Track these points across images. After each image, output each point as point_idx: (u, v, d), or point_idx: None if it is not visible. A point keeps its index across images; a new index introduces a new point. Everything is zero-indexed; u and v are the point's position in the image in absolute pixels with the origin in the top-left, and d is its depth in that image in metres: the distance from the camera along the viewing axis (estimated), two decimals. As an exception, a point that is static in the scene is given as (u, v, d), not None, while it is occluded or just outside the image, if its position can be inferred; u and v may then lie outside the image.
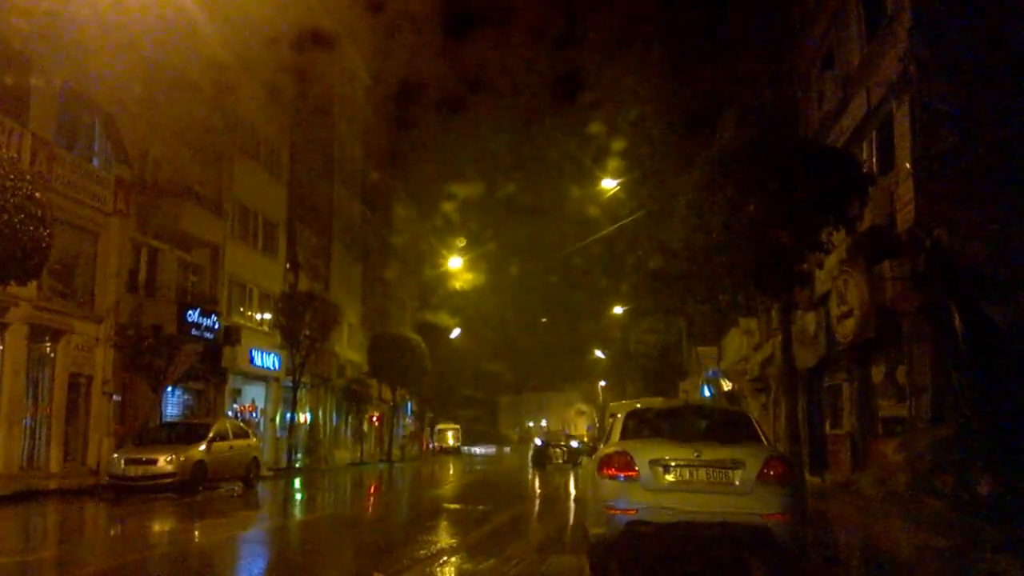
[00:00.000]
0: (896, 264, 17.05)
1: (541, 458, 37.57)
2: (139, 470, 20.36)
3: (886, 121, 18.40)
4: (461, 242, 18.76)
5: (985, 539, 11.08)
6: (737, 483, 8.95)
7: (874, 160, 19.00)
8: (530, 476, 32.57)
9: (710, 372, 31.33)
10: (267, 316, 34.40)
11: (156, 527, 15.24)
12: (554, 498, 22.91)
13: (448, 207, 17.85)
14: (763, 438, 10.08)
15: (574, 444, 41.21)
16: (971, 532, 11.92)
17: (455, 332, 47.90)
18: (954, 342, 15.16)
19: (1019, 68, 15.72)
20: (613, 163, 15.86)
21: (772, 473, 9.02)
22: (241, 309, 33.02)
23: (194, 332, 27.10)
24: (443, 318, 39.15)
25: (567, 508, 18.87)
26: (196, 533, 14.43)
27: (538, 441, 40.10)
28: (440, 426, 64.51)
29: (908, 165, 16.98)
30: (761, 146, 16.51)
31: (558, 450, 38.97)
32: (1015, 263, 15.10)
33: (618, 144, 15.63)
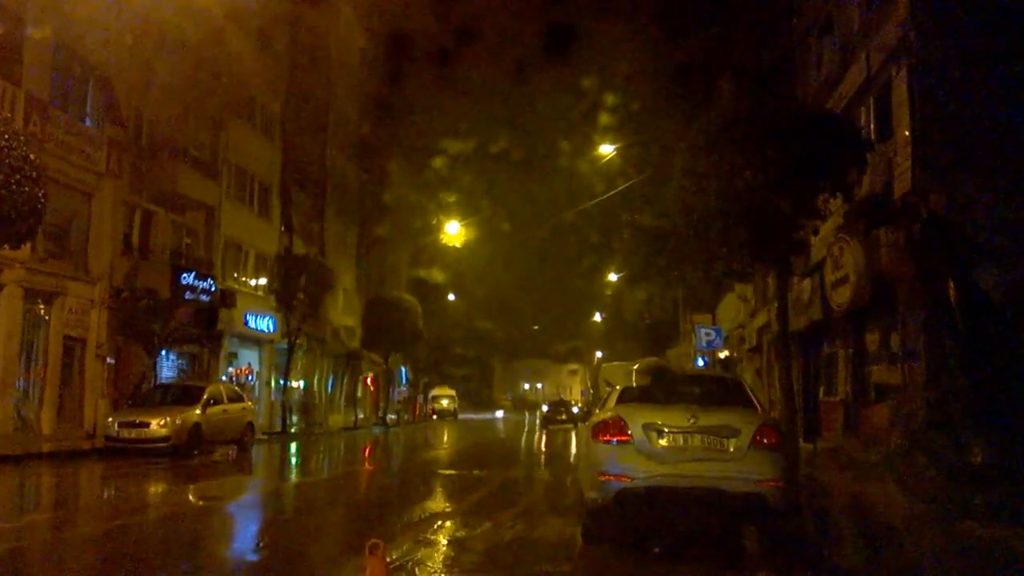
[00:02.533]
0: (892, 231, 16.99)
1: (548, 420, 46.64)
2: (133, 433, 20.35)
3: (885, 88, 18.23)
4: (451, 197, 18.71)
5: (977, 507, 10.99)
6: (731, 449, 8.98)
7: (872, 127, 18.85)
8: (538, 435, 35.31)
9: (704, 340, 31.36)
10: (262, 279, 34.27)
11: (149, 490, 15.20)
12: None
13: (441, 163, 17.79)
14: (757, 405, 10.08)
15: (574, 410, 50.05)
16: (963, 499, 11.92)
17: (451, 296, 47.80)
18: (948, 310, 15.14)
19: (1020, 35, 15.57)
20: (605, 119, 15.71)
21: (765, 440, 9.06)
22: (236, 272, 32.89)
23: (189, 295, 27.00)
24: (435, 275, 38.99)
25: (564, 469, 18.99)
26: (190, 497, 14.39)
27: (545, 407, 50.37)
28: (435, 392, 64.62)
29: (906, 132, 16.85)
30: (759, 112, 16.34)
31: (562, 415, 47.21)
32: (1012, 231, 15.06)
33: (611, 99, 15.50)
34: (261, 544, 9.81)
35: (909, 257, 16.31)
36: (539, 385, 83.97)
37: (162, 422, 20.42)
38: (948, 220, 15.35)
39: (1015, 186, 15.17)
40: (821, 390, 23.19)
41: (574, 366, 70.38)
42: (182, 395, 22.36)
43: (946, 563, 8.50)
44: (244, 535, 10.86)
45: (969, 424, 13.95)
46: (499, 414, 70.80)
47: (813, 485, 14.91)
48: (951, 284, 14.95)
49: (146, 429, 20.34)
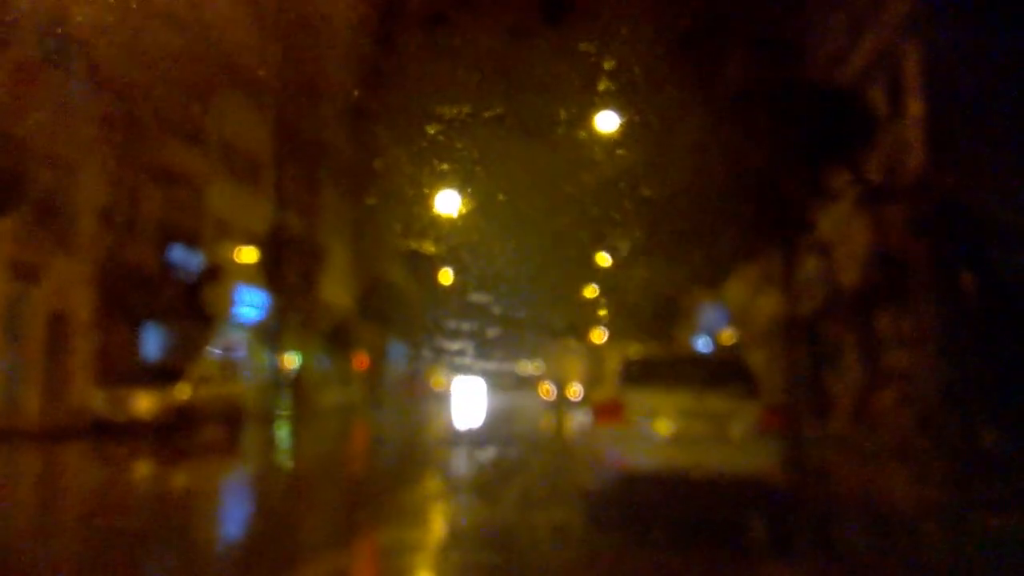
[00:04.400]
0: (903, 211, 16.60)
1: (561, 401, 46.43)
2: (120, 412, 20.00)
3: (896, 63, 17.82)
4: (444, 166, 18.34)
5: (988, 496, 10.79)
6: (734, 434, 8.89)
7: (883, 103, 18.37)
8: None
9: (709, 321, 31.02)
10: (252, 255, 33.63)
11: (135, 471, 14.98)
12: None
13: (435, 131, 17.44)
14: (761, 388, 9.91)
15: (582, 394, 49.83)
16: (973, 487, 11.62)
17: (448, 271, 47.04)
18: (960, 291, 14.85)
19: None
20: (604, 85, 15.24)
21: (770, 424, 9.03)
22: (225, 248, 32.27)
23: (176, 271, 26.54)
24: (427, 246, 38.56)
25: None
26: (176, 478, 14.23)
27: (555, 390, 49.96)
28: (432, 371, 64.64)
29: (918, 109, 16.50)
30: (767, 88, 15.91)
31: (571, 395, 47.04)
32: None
33: (610, 65, 15.01)
34: (250, 528, 9.68)
35: (920, 237, 15.96)
36: (539, 362, 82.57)
37: (150, 401, 20.09)
38: (960, 199, 14.98)
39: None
40: (829, 374, 22.78)
41: (573, 343, 69.73)
42: (170, 374, 21.86)
43: (959, 555, 8.26)
44: (235, 519, 10.65)
45: (982, 410, 13.66)
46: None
47: (820, 471, 14.57)
48: (965, 266, 14.64)
49: (134, 408, 19.99)
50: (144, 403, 20.03)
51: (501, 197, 19.01)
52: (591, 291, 38.67)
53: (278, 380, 33.60)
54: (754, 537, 8.78)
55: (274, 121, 34.96)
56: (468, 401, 52.77)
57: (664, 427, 8.99)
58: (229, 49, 30.78)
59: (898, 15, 17.50)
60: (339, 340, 41.24)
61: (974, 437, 13.88)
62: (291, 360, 36.12)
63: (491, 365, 74.15)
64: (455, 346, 68.85)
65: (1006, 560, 7.93)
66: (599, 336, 50.81)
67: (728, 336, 31.61)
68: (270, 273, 31.60)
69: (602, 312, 39.41)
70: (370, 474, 15.59)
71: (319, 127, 37.77)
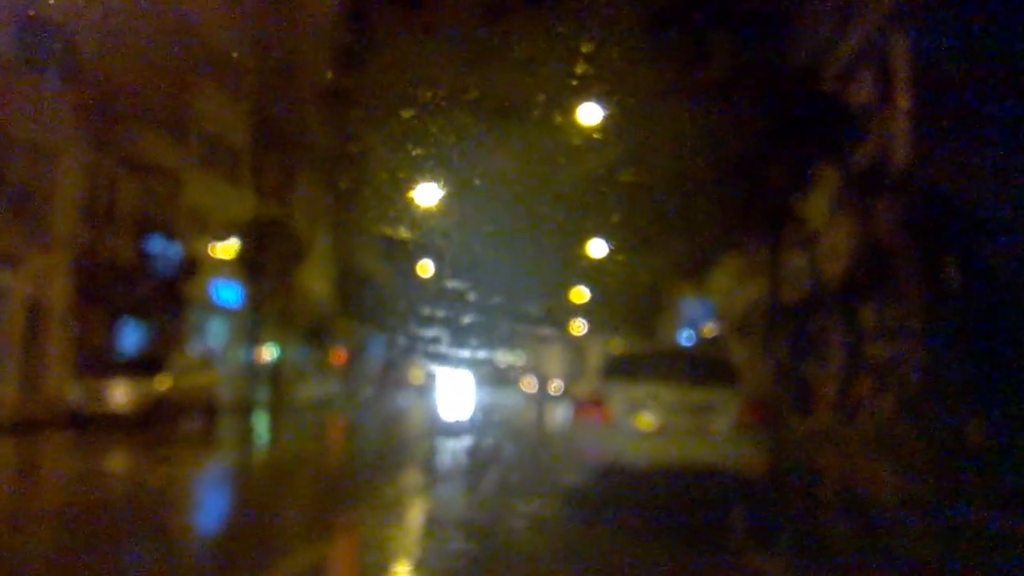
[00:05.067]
0: (889, 203, 16.48)
1: (541, 394, 47.92)
2: (97, 404, 19.71)
3: (884, 53, 17.72)
4: (419, 151, 18.12)
5: (972, 490, 10.79)
6: (716, 428, 8.79)
7: (870, 94, 18.26)
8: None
9: (692, 313, 30.90)
10: (230, 247, 33.27)
11: (112, 463, 14.76)
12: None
13: (409, 115, 17.20)
14: (743, 382, 9.84)
15: (562, 387, 51.26)
16: (958, 482, 11.57)
17: (429, 268, 46.88)
18: (947, 284, 14.76)
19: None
20: (582, 68, 15.03)
21: (752, 417, 8.93)
22: (203, 239, 31.92)
23: (154, 262, 26.28)
24: (401, 233, 38.31)
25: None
26: (153, 470, 13.90)
27: (535, 383, 52.22)
28: (411, 364, 64.47)
29: (905, 99, 16.40)
30: (753, 78, 15.76)
31: (552, 389, 49.10)
32: (1013, 203, 14.54)
33: (588, 47, 14.80)
34: (228, 520, 9.54)
35: (906, 229, 15.87)
36: (520, 354, 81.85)
37: (127, 392, 19.81)
38: (949, 192, 14.88)
39: (1017, 156, 14.58)
40: (812, 366, 22.71)
41: (549, 331, 69.09)
42: (147, 365, 21.59)
43: (940, 549, 8.19)
44: (213, 511, 10.47)
45: (966, 401, 13.59)
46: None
47: (802, 463, 14.51)
48: (949, 257, 14.54)
49: (111, 400, 19.71)
50: (121, 395, 19.77)
51: (477, 182, 18.75)
52: (573, 285, 38.40)
53: (256, 372, 33.36)
54: (735, 530, 8.69)
55: (251, 111, 34.58)
56: (452, 393, 52.64)
57: (645, 421, 8.90)
58: (204, 37, 30.46)
59: (887, 5, 17.43)
60: (317, 332, 41.02)
61: (958, 429, 13.81)
62: (269, 352, 35.84)
63: (466, 353, 73.39)
64: (430, 333, 68.49)
65: (987, 554, 7.87)
66: (578, 328, 50.64)
67: (711, 329, 31.51)
68: (248, 264, 31.32)
69: (580, 299, 39.01)
70: (349, 466, 15.41)
71: (296, 116, 37.31)
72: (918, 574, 7.25)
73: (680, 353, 13.73)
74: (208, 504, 11.00)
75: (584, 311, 47.05)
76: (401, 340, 59.27)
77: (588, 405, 9.37)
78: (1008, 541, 8.32)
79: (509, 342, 76.54)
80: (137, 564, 7.16)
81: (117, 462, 14.94)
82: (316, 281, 41.15)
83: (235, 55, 32.59)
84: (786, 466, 12.75)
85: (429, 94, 15.91)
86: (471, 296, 66.24)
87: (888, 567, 7.37)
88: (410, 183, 19.58)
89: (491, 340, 75.51)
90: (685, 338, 32.38)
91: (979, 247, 14.58)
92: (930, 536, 8.93)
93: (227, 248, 31.91)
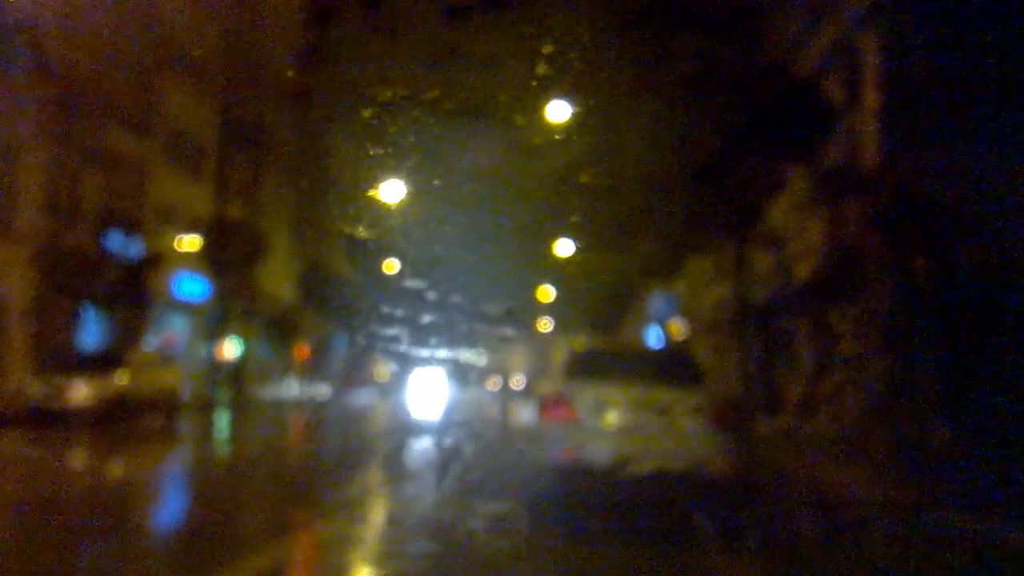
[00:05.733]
0: (859, 203, 16.50)
1: (504, 392, 51.96)
2: (57, 400, 19.52)
3: (854, 52, 17.74)
4: (380, 150, 18.01)
5: (941, 492, 10.76)
6: (682, 427, 8.82)
7: (840, 94, 18.26)
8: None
9: (659, 313, 30.90)
10: (194, 242, 32.87)
11: (70, 460, 14.60)
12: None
13: (370, 114, 17.04)
14: (709, 381, 10.17)
15: (524, 385, 54.64)
16: (923, 482, 11.57)
17: (395, 266, 46.52)
18: (916, 285, 14.78)
19: (993, 4, 15.03)
20: (543, 69, 14.95)
21: (719, 417, 9.14)
22: (167, 234, 31.51)
23: (117, 256, 25.99)
24: (361, 231, 38.08)
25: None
26: (111, 468, 13.86)
27: (500, 381, 57.69)
28: (375, 362, 64.37)
29: (875, 99, 16.42)
30: (720, 75, 15.68)
31: (512, 389, 52.83)
32: (983, 205, 14.58)
33: (549, 48, 14.71)
34: (187, 520, 9.38)
35: (876, 230, 15.87)
36: (481, 354, 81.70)
37: (87, 389, 19.66)
38: (917, 192, 14.89)
39: (988, 157, 14.63)
40: (780, 366, 22.75)
41: (510, 331, 68.86)
42: (108, 360, 21.42)
43: (906, 551, 8.15)
44: (169, 510, 10.33)
45: (933, 400, 13.63)
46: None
47: (770, 465, 14.58)
48: (919, 258, 14.56)
49: (71, 396, 19.55)
50: (82, 391, 19.63)
51: (438, 182, 18.60)
52: (538, 284, 38.33)
53: (218, 369, 33.05)
54: (700, 531, 8.59)
55: (216, 107, 34.28)
56: (417, 391, 52.51)
57: (610, 420, 8.91)
58: (169, 32, 30.09)
59: (858, 5, 17.39)
60: (281, 329, 40.71)
61: (924, 429, 13.84)
62: (232, 349, 35.48)
63: (425, 352, 73.19)
64: (390, 331, 68.22)
65: (952, 557, 7.85)
66: (545, 326, 50.59)
67: (678, 328, 31.51)
68: (211, 260, 31.02)
69: (546, 298, 38.85)
70: (309, 465, 15.28)
71: (260, 113, 37.04)
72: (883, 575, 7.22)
73: (646, 352, 13.76)
74: (166, 503, 10.87)
75: (550, 309, 46.95)
76: (360, 339, 58.92)
77: (553, 404, 9.35)
78: (973, 543, 8.30)
79: (469, 342, 76.47)
80: (91, 563, 7.05)
81: (75, 459, 14.78)
82: (280, 277, 40.85)
83: (199, 51, 32.26)
84: (752, 466, 12.76)
85: (389, 93, 15.77)
86: (431, 295, 66.05)
87: (853, 568, 7.33)
88: (371, 182, 19.41)
89: (451, 340, 75.34)
90: (653, 337, 32.38)
91: (948, 248, 14.61)
92: (895, 537, 8.91)
93: (191, 243, 31.53)
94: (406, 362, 70.29)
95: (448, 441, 19.18)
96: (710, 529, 8.59)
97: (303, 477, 13.15)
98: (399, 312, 65.82)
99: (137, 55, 27.69)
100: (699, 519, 8.89)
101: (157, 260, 28.53)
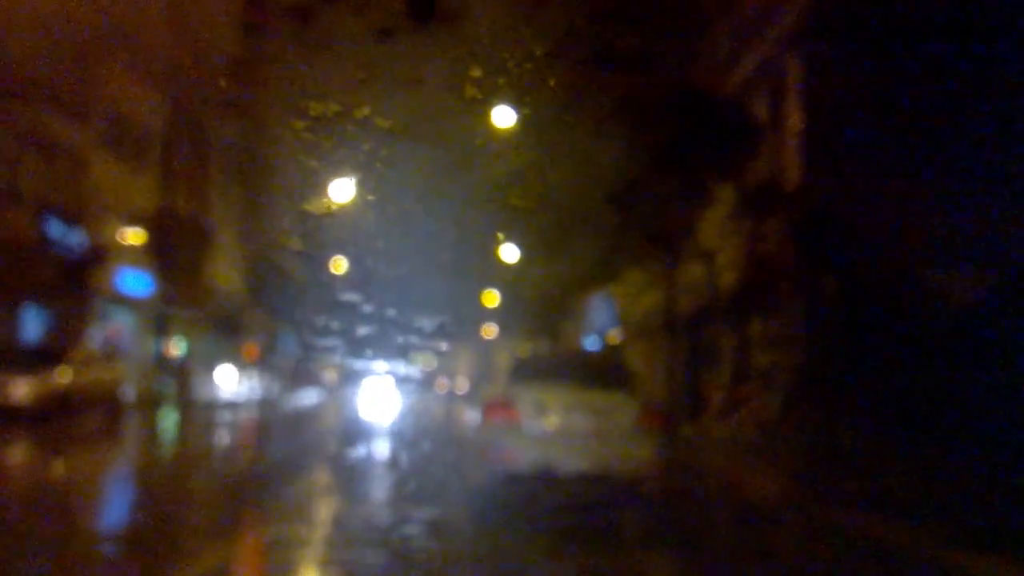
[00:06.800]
0: (779, 220, 17.23)
1: (451, 395, 50.39)
2: (-8, 398, 19.02)
3: (779, 75, 18.32)
4: (312, 163, 18.21)
5: (845, 492, 11.31)
6: (613, 430, 9.19)
7: (764, 114, 19.01)
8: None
9: (595, 320, 31.37)
10: (138, 235, 32.26)
11: (6, 459, 14.31)
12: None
13: (301, 126, 17.23)
14: (639, 387, 10.29)
15: (467, 386, 52.07)
16: (830, 483, 12.27)
17: (343, 265, 46.32)
18: (829, 298, 15.51)
19: (916, 29, 15.69)
20: (471, 91, 15.36)
21: (648, 421, 9.38)
22: (109, 227, 30.89)
23: (56, 248, 25.24)
24: (295, 242, 37.85)
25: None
26: (49, 468, 13.61)
27: (447, 384, 55.56)
28: (323, 364, 63.69)
29: (797, 121, 17.05)
30: (652, 96, 16.29)
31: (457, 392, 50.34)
32: (886, 221, 15.35)
33: (477, 71, 15.12)
34: (129, 522, 9.29)
35: (792, 246, 16.61)
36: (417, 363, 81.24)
37: (26, 386, 19.28)
38: (832, 212, 15.62)
39: (903, 180, 15.40)
40: (705, 373, 23.49)
41: (444, 344, 68.64)
42: (48, 357, 20.96)
43: (813, 549, 8.57)
44: (110, 512, 10.19)
45: (839, 405, 14.31)
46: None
47: (692, 467, 15.05)
48: (830, 274, 15.30)
49: (8, 393, 19.14)
50: (20, 388, 19.20)
51: (371, 197, 18.86)
52: (475, 294, 38.58)
53: (163, 366, 32.53)
54: (629, 532, 8.91)
55: (160, 100, 33.50)
56: (364, 394, 52.04)
57: (548, 423, 9.22)
58: (111, 18, 29.21)
59: (782, 29, 17.92)
60: (228, 328, 40.26)
61: (831, 433, 14.53)
62: (176, 346, 35.11)
63: (361, 364, 72.69)
64: (327, 343, 67.68)
65: (853, 554, 8.28)
66: (490, 331, 50.75)
67: (615, 336, 32.19)
68: (156, 254, 30.46)
69: (491, 303, 39.18)
70: (254, 467, 15.18)
71: (204, 108, 36.29)
72: (790, 570, 7.65)
73: (581, 357, 14.17)
74: (107, 504, 10.71)
75: (495, 316, 47.35)
76: (299, 346, 58.17)
77: (496, 407, 9.62)
78: (873, 542, 8.69)
79: (404, 354, 76.16)
80: (25, 568, 6.74)
81: (10, 458, 14.44)
82: (227, 274, 40.29)
83: (142, 40, 31.42)
84: (678, 469, 13.21)
85: (321, 108, 15.99)
86: (366, 308, 65.70)
87: (764, 564, 7.75)
88: (304, 194, 19.59)
89: (385, 352, 74.94)
90: (590, 343, 32.93)
91: (860, 262, 15.31)
92: (804, 536, 9.32)
93: (135, 236, 30.94)
94: (347, 371, 69.63)
95: (393, 442, 19.31)
96: (636, 528, 8.93)
97: (247, 479, 12.94)
98: (334, 324, 65.24)
99: (79, 38, 26.92)
100: (627, 518, 9.19)
101: (100, 253, 27.72)
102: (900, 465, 12.44)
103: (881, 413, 14.12)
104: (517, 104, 15.99)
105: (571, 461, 9.09)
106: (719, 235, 19.54)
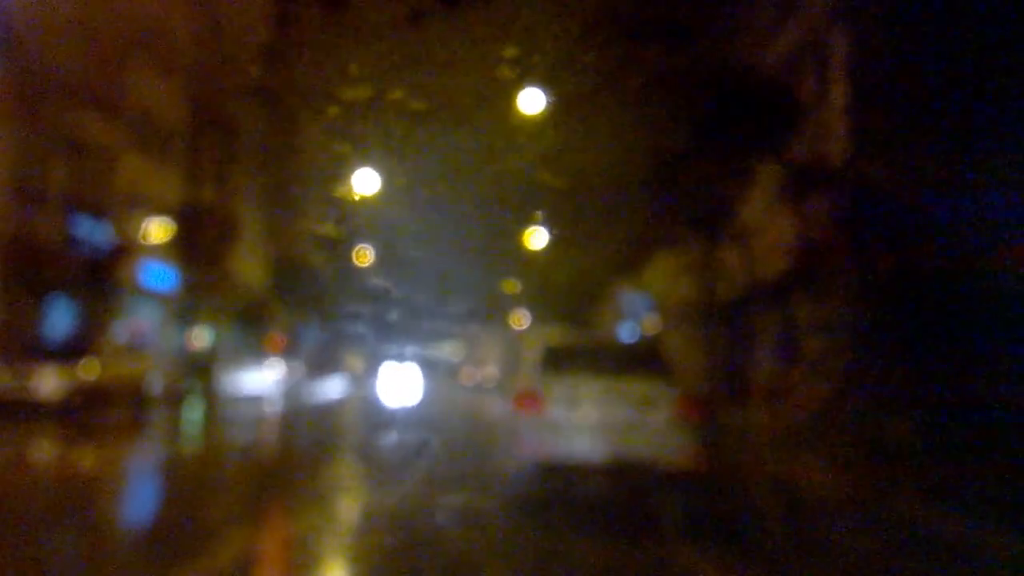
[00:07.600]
0: (825, 200, 16.62)
1: (477, 387, 51.76)
2: (22, 391, 19.25)
3: (823, 49, 17.80)
4: (345, 149, 18.08)
5: (900, 485, 10.90)
6: (651, 421, 8.88)
7: (808, 91, 18.38)
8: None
9: (630, 307, 30.99)
10: (163, 229, 32.39)
11: (35, 453, 14.42)
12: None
13: (336, 112, 17.08)
14: (679, 376, 9.91)
15: (495, 377, 54.58)
16: (882, 475, 11.78)
17: (368, 256, 46.39)
18: (879, 282, 14.94)
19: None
20: (505, 72, 15.07)
21: (687, 411, 9.04)
22: (135, 221, 31.05)
23: (84, 244, 25.62)
24: (329, 229, 37.94)
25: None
26: (77, 460, 13.72)
27: (474, 375, 56.67)
28: (349, 354, 64.11)
29: (843, 96, 16.53)
30: (692, 72, 15.77)
31: (485, 382, 52.03)
32: (945, 202, 14.72)
33: (512, 51, 14.81)
34: (156, 513, 9.38)
35: (841, 227, 16.03)
36: (446, 350, 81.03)
37: (53, 380, 19.42)
38: (884, 191, 15.02)
39: (954, 156, 14.74)
40: (747, 361, 22.91)
41: (476, 328, 68.66)
42: (75, 352, 21.23)
43: (869, 544, 8.21)
44: (136, 503, 10.25)
45: (893, 394, 13.80)
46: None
47: (736, 457, 14.63)
48: (882, 256, 14.71)
49: (36, 388, 19.30)
50: (48, 382, 19.37)
51: (403, 181, 18.64)
52: (507, 279, 38.31)
53: (189, 359, 32.67)
54: (669, 525, 8.67)
55: (186, 96, 33.77)
56: (390, 384, 52.23)
57: (582, 414, 8.93)
58: (138, 17, 29.56)
59: (826, 1, 17.44)
60: (253, 320, 40.39)
61: (884, 423, 14.02)
62: (202, 338, 35.16)
63: (388, 351, 72.91)
64: (355, 329, 68.05)
65: (911, 548, 8.01)
66: (519, 320, 50.46)
67: (650, 323, 31.69)
68: (181, 248, 30.67)
69: (511, 289, 38.82)
70: (280, 457, 15.21)
71: (231, 101, 36.55)
72: (846, 569, 7.30)
73: (617, 346, 13.78)
74: (135, 496, 10.79)
75: (523, 303, 47.08)
76: (325, 336, 58.60)
77: (526, 398, 9.37)
78: (937, 537, 8.42)
79: (433, 340, 76.48)
80: (55, 557, 6.96)
81: (39, 452, 14.59)
82: (251, 267, 40.48)
83: (171, 38, 31.74)
84: (720, 460, 12.88)
85: (353, 93, 15.79)
86: (397, 293, 66.01)
87: (816, 561, 7.41)
88: (335, 181, 19.40)
89: (416, 338, 75.30)
90: (626, 332, 32.51)
91: (911, 244, 14.75)
92: (857, 530, 8.99)
93: (161, 231, 31.10)
94: (373, 359, 70.02)
95: (420, 433, 19.20)
96: (678, 522, 8.66)
97: (271, 470, 13.09)
98: (365, 310, 65.66)
99: (108, 39, 27.25)
100: (668, 512, 9.00)
101: (126, 248, 28.18)
102: (957, 456, 11.99)
103: (936, 401, 13.49)
104: (551, 83, 15.60)
105: (606, 452, 8.89)
106: (762, 216, 18.89)
